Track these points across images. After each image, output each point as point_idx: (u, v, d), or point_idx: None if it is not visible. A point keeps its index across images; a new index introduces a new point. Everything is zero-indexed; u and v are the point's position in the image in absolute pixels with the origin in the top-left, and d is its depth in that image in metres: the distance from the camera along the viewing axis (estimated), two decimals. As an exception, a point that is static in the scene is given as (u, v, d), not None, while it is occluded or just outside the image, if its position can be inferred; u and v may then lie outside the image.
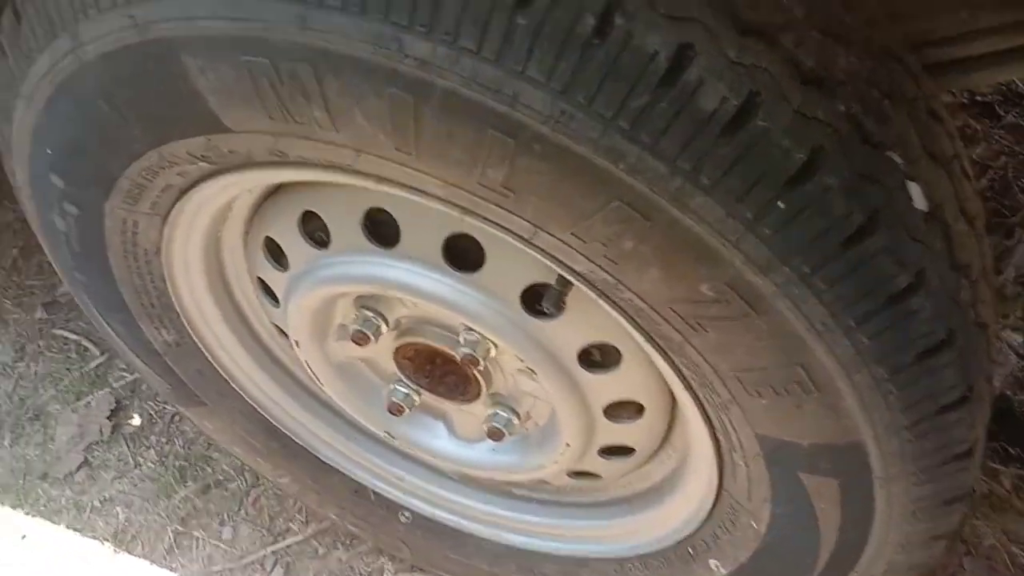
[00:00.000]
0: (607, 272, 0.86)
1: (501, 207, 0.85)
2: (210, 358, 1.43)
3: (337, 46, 0.75)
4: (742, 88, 0.71)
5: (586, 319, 1.05)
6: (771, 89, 0.72)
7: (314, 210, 1.12)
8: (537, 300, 1.05)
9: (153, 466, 2.07)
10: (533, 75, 0.72)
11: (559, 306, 1.04)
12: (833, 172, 0.74)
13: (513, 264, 1.03)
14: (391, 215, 1.06)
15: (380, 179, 0.91)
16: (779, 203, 0.74)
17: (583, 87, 0.71)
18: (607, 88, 0.71)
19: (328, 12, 0.73)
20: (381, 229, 1.08)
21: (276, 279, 1.25)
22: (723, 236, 0.76)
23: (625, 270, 0.84)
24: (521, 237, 0.88)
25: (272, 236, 1.20)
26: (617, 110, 0.72)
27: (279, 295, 1.27)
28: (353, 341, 1.22)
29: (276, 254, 1.22)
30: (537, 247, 0.89)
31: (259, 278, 1.29)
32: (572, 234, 0.83)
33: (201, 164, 0.99)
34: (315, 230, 1.15)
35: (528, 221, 0.85)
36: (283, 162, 0.95)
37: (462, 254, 1.06)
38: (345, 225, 1.10)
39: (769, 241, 0.76)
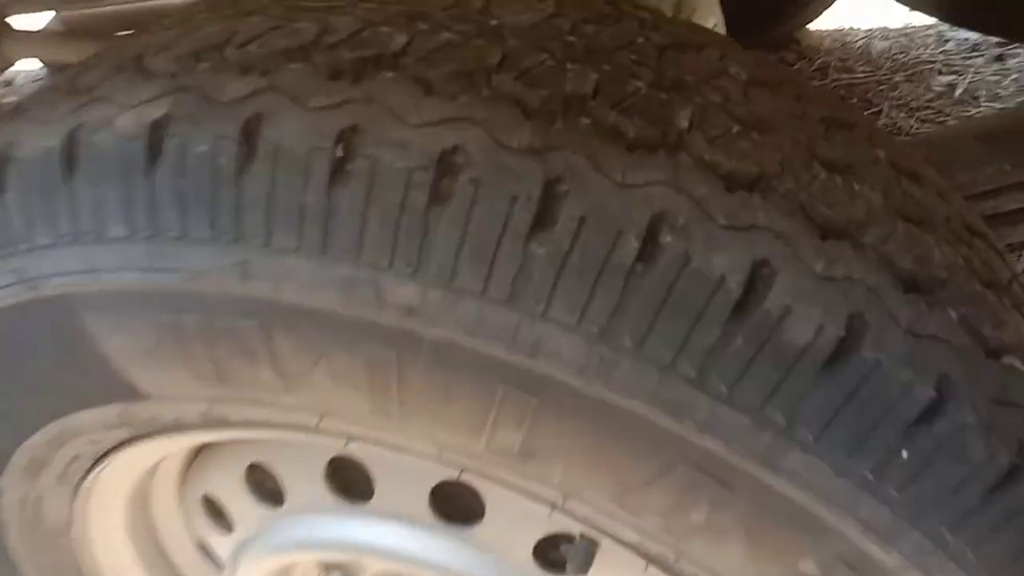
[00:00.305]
0: (666, 547, 0.65)
1: (518, 472, 0.65)
2: (142, 641, 1.15)
3: (292, 297, 0.56)
4: (839, 311, 0.54)
5: (625, 572, 0.83)
6: (873, 306, 0.55)
7: (263, 464, 0.90)
8: (554, 548, 0.83)
9: None
10: (559, 316, 0.53)
11: (587, 563, 0.82)
12: (964, 402, 0.56)
13: (523, 513, 0.81)
14: (363, 465, 0.84)
15: (352, 439, 0.70)
16: (903, 453, 0.55)
17: (629, 327, 0.53)
18: (662, 326, 0.53)
19: (278, 256, 0.54)
20: (349, 480, 0.86)
21: (220, 542, 1.01)
22: (831, 501, 0.57)
23: (693, 545, 0.63)
24: (544, 502, 0.68)
25: (211, 495, 0.96)
26: (677, 352, 0.53)
27: (224, 562, 1.02)
28: (320, 613, 0.97)
29: (218, 513, 0.98)
30: (567, 512, 0.68)
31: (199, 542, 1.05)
32: (618, 505, 0.63)
33: (117, 432, 0.77)
34: (265, 479, 0.93)
35: (555, 488, 0.64)
36: (223, 425, 0.74)
37: (453, 500, 0.84)
38: (303, 480, 0.88)
39: (892, 502, 0.56)
